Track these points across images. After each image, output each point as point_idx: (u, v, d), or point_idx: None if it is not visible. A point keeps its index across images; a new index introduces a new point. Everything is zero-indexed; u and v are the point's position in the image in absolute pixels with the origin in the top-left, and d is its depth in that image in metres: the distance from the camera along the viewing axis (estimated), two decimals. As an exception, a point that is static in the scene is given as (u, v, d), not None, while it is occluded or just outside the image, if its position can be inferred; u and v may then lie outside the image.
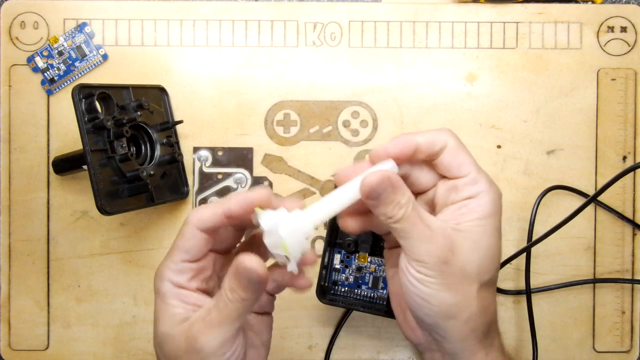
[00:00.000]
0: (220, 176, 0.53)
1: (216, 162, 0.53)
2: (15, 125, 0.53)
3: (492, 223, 0.36)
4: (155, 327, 0.36)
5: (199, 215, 0.35)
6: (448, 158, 0.36)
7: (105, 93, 0.46)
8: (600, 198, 0.52)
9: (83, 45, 0.53)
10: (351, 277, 0.49)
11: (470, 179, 0.36)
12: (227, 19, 0.53)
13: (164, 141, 0.51)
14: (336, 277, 0.49)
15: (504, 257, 0.52)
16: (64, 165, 0.51)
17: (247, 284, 0.33)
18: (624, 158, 0.53)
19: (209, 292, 0.37)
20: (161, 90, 0.52)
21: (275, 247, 0.34)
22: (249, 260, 0.32)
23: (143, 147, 0.50)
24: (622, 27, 0.53)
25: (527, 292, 0.52)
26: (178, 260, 0.35)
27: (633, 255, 0.53)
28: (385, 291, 0.49)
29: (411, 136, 0.36)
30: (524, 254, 0.52)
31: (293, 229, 0.34)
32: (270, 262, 0.37)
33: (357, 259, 0.49)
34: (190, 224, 0.35)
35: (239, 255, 0.33)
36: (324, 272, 0.48)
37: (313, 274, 0.51)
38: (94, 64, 0.53)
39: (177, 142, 0.52)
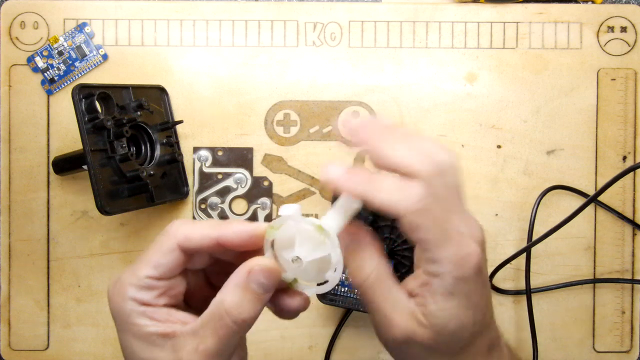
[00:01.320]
0: (220, 176, 0.53)
1: (216, 162, 0.53)
2: (15, 125, 0.53)
3: (458, 302, 0.31)
4: (127, 356, 0.31)
5: (186, 233, 0.30)
6: (404, 230, 0.30)
7: (105, 93, 0.46)
8: (600, 198, 0.52)
9: (83, 45, 0.53)
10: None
11: (429, 258, 0.30)
12: (227, 19, 0.53)
13: (164, 141, 0.51)
14: (336, 277, 0.49)
15: (503, 257, 0.52)
16: (64, 165, 0.51)
17: (262, 291, 0.30)
18: (624, 158, 0.53)
19: (180, 307, 0.33)
20: (161, 90, 0.52)
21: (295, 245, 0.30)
22: (261, 264, 0.30)
23: (143, 147, 0.50)
24: (622, 27, 0.53)
25: (527, 292, 0.52)
26: (143, 275, 0.31)
27: (633, 255, 0.53)
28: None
29: (364, 187, 0.30)
30: (524, 254, 0.52)
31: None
32: None
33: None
34: (173, 238, 0.31)
35: (247, 263, 0.30)
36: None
37: (313, 274, 0.51)
38: (94, 64, 0.53)
39: (177, 142, 0.52)
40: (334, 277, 0.30)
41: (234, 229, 0.30)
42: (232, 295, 0.30)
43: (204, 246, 0.31)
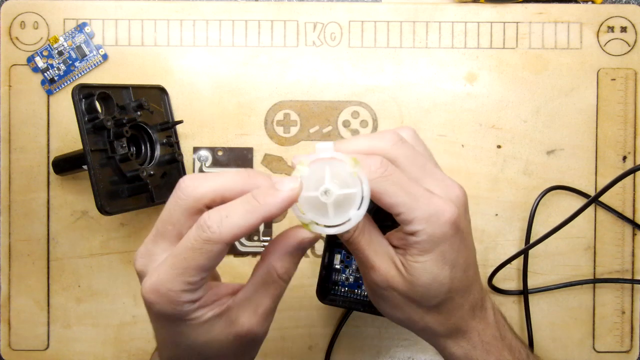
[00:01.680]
0: (220, 176, 0.53)
1: (216, 162, 0.53)
2: (15, 125, 0.53)
3: (433, 257, 0.34)
4: (182, 344, 0.33)
5: (231, 232, 0.30)
6: (377, 197, 0.33)
7: (105, 93, 0.46)
8: (601, 198, 0.52)
9: (83, 45, 0.53)
10: (351, 277, 0.49)
11: (402, 220, 0.33)
12: (227, 19, 0.53)
13: (164, 141, 0.51)
14: (336, 277, 0.49)
15: (503, 258, 0.52)
16: (64, 165, 0.51)
17: (304, 252, 0.33)
18: (624, 158, 0.53)
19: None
20: (161, 90, 0.52)
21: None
22: (305, 234, 0.32)
23: (143, 147, 0.50)
24: (622, 27, 0.53)
25: (525, 292, 0.52)
26: (198, 279, 0.31)
27: (633, 255, 0.53)
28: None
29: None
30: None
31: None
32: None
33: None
34: (222, 240, 0.30)
35: (292, 233, 0.32)
36: (324, 272, 0.48)
37: (313, 273, 0.52)
38: (94, 64, 0.53)
39: (177, 142, 0.52)
40: (357, 215, 0.32)
41: (275, 208, 0.30)
42: (282, 262, 0.32)
43: (249, 233, 0.32)
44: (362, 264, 0.36)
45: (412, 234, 0.33)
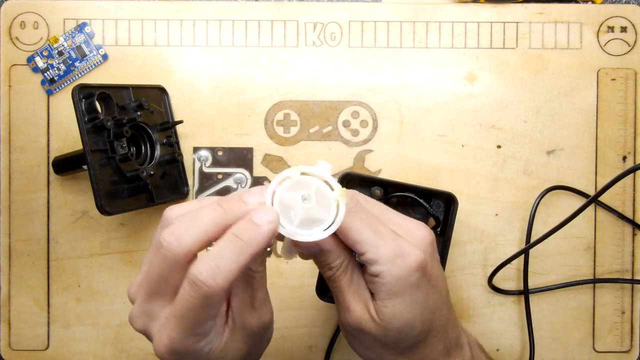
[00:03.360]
0: (220, 176, 0.53)
1: (216, 162, 0.53)
2: (15, 125, 0.53)
3: (401, 301, 0.34)
4: None
5: (224, 278, 0.30)
6: (341, 236, 0.33)
7: (105, 93, 0.46)
8: (600, 198, 0.52)
9: (83, 45, 0.53)
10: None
11: (367, 259, 0.33)
12: (227, 19, 0.53)
13: (164, 141, 0.51)
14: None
15: (503, 258, 0.52)
16: (64, 165, 0.51)
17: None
18: (624, 158, 0.53)
19: None
20: (161, 90, 0.52)
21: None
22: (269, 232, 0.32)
23: (143, 147, 0.50)
24: (622, 27, 0.53)
25: (525, 292, 0.52)
26: (207, 329, 0.32)
27: (633, 255, 0.53)
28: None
29: None
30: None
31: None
32: None
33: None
34: (218, 289, 0.30)
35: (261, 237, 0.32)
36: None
37: (313, 272, 0.52)
38: (94, 64, 0.53)
39: (177, 142, 0.52)
40: (319, 234, 0.32)
41: (261, 243, 0.30)
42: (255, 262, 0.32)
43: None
44: (338, 304, 0.36)
45: (377, 275, 0.33)
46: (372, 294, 0.35)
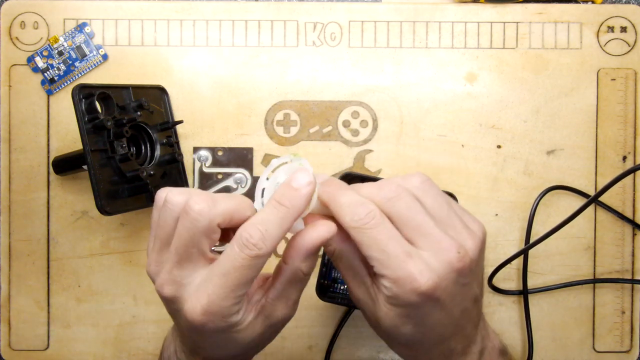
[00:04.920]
0: (220, 176, 0.53)
1: (216, 162, 0.53)
2: (15, 125, 0.53)
3: (402, 316, 0.34)
4: (230, 347, 0.36)
5: (272, 242, 0.32)
6: (354, 240, 0.34)
7: (105, 93, 0.46)
8: (600, 198, 0.52)
9: (83, 45, 0.53)
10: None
11: (375, 271, 0.34)
12: (227, 19, 0.53)
13: (164, 141, 0.51)
14: (336, 274, 0.49)
15: (503, 258, 0.52)
16: (64, 165, 0.51)
17: (319, 249, 0.35)
18: (624, 158, 0.53)
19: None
20: (161, 90, 0.52)
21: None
22: (327, 230, 0.34)
23: (143, 147, 0.50)
24: (622, 27, 0.53)
25: (525, 292, 0.52)
26: (243, 293, 0.33)
27: (633, 255, 0.53)
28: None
29: (328, 196, 0.34)
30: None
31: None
32: None
33: None
34: (265, 253, 0.32)
35: (317, 234, 0.33)
36: (323, 269, 0.48)
37: (313, 272, 0.51)
38: (94, 64, 0.53)
39: (177, 142, 0.52)
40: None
41: (301, 206, 0.33)
42: (306, 263, 0.34)
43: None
44: (346, 283, 0.37)
45: (383, 288, 0.34)
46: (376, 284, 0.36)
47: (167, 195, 0.34)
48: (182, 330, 0.37)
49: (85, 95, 0.45)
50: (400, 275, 0.32)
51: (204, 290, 0.33)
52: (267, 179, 0.36)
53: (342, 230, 0.34)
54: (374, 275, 0.35)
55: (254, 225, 0.32)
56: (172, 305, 0.35)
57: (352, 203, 0.33)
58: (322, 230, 0.33)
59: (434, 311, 0.34)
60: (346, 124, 0.53)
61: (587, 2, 0.54)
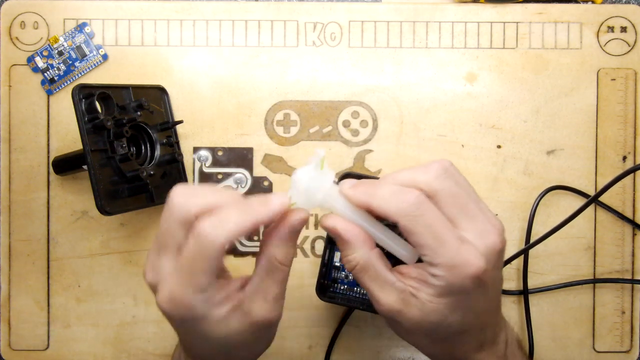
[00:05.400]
0: (220, 176, 0.53)
1: (216, 162, 0.53)
2: (15, 125, 0.53)
3: (448, 302, 0.33)
4: (203, 343, 0.35)
5: (226, 233, 0.31)
6: (402, 231, 0.33)
7: (105, 93, 0.46)
8: (600, 198, 0.52)
9: (83, 45, 0.53)
10: (351, 275, 0.49)
11: (426, 260, 0.33)
12: (227, 19, 0.53)
13: (164, 141, 0.51)
14: (336, 274, 0.49)
15: (504, 257, 0.52)
16: (64, 165, 0.51)
17: (297, 235, 0.35)
18: (624, 158, 0.53)
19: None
20: (161, 90, 0.52)
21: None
22: (296, 217, 0.34)
23: (143, 147, 0.50)
24: (622, 27, 0.53)
25: (525, 292, 0.52)
26: (206, 282, 0.32)
27: (633, 255, 0.53)
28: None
29: (367, 196, 0.33)
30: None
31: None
32: None
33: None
34: (217, 243, 0.31)
35: (285, 223, 0.34)
36: (323, 269, 0.48)
37: (313, 272, 0.52)
38: (94, 64, 0.53)
39: (177, 142, 0.52)
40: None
41: (266, 214, 0.33)
42: (279, 249, 0.34)
43: (242, 235, 0.33)
44: (370, 297, 0.36)
45: (433, 275, 0.33)
46: (416, 282, 0.34)
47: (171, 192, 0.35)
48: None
49: (85, 95, 0.45)
50: (456, 261, 0.32)
51: (169, 279, 0.33)
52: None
53: (367, 239, 0.34)
54: (403, 275, 0.35)
55: (210, 216, 0.32)
56: (153, 292, 0.35)
57: (394, 192, 0.32)
58: (296, 215, 0.34)
59: (481, 296, 0.34)
60: (346, 124, 0.53)
61: (587, 2, 0.54)
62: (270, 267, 0.35)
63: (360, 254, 0.35)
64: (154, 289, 0.35)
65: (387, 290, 0.35)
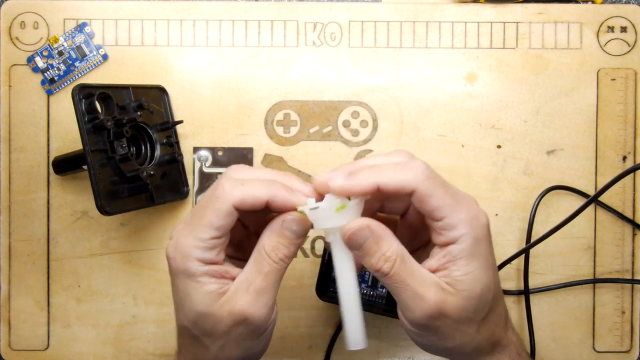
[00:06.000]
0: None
1: (216, 162, 0.53)
2: (15, 125, 0.53)
3: (479, 263, 0.34)
4: (186, 307, 0.35)
5: (241, 195, 0.33)
6: (417, 204, 0.33)
7: (105, 93, 0.46)
8: (600, 198, 0.52)
9: (83, 45, 0.53)
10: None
11: (446, 224, 0.33)
12: (227, 19, 0.53)
13: (164, 141, 0.51)
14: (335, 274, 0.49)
15: (503, 258, 0.52)
16: (64, 165, 0.51)
17: (294, 236, 0.35)
18: (624, 158, 0.53)
19: (229, 256, 0.37)
20: (161, 90, 0.52)
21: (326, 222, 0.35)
22: (292, 215, 0.34)
23: (143, 147, 0.50)
24: (622, 27, 0.53)
25: (526, 292, 0.52)
26: (207, 237, 0.34)
27: (633, 255, 0.53)
28: (384, 290, 0.49)
29: (373, 176, 0.33)
30: (524, 255, 0.52)
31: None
32: None
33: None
34: (229, 201, 0.33)
35: (281, 216, 0.35)
36: (324, 269, 0.48)
37: (313, 272, 0.52)
38: (94, 64, 0.53)
39: (177, 142, 0.52)
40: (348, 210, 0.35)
41: (283, 197, 0.34)
42: (269, 240, 0.35)
43: (256, 207, 0.34)
44: (408, 300, 0.34)
45: (456, 240, 0.33)
46: (441, 271, 0.34)
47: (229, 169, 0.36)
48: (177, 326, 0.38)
49: (85, 95, 0.45)
50: (472, 213, 0.34)
51: (179, 228, 0.35)
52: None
53: (392, 233, 0.34)
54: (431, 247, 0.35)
55: (236, 178, 0.34)
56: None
57: (399, 166, 0.33)
58: (292, 215, 0.35)
59: (491, 248, 0.35)
60: (346, 124, 0.53)
61: (587, 2, 0.54)
62: (258, 257, 0.35)
63: (397, 245, 0.34)
64: (170, 241, 0.36)
65: (428, 283, 0.34)
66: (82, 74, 0.53)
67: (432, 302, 0.33)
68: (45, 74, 0.53)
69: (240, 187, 0.33)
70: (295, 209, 0.34)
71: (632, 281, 0.53)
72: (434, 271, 0.34)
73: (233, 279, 0.35)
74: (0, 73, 0.52)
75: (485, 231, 0.34)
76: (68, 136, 0.53)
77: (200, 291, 0.34)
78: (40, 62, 0.52)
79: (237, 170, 0.35)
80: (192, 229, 0.34)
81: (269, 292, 0.35)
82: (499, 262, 0.52)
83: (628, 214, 0.53)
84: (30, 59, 0.52)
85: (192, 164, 0.53)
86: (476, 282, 0.34)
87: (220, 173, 0.53)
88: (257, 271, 0.34)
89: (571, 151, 0.53)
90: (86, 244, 0.53)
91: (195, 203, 0.53)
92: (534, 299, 0.53)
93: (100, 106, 0.46)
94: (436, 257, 0.34)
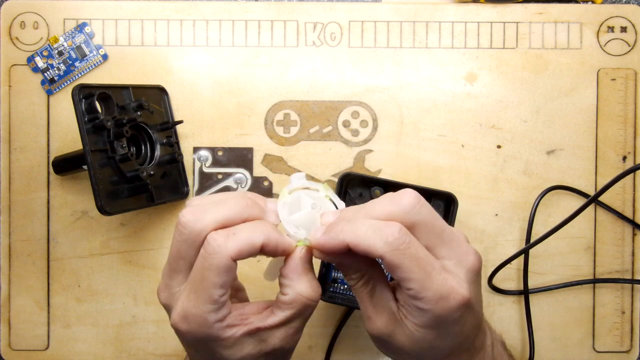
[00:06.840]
0: (220, 176, 0.53)
1: (216, 162, 0.53)
2: (15, 125, 0.53)
3: (434, 334, 0.33)
4: None
5: (238, 248, 0.32)
6: (387, 268, 0.32)
7: (105, 93, 0.46)
8: (600, 198, 0.52)
9: (83, 45, 0.53)
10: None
11: (412, 294, 0.32)
12: (227, 19, 0.53)
13: (164, 141, 0.51)
14: (336, 274, 0.49)
15: (503, 258, 0.52)
16: (64, 165, 0.51)
17: (311, 266, 0.35)
18: (624, 158, 0.53)
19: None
20: (161, 90, 0.52)
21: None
22: (300, 252, 0.35)
23: (143, 147, 0.50)
24: (622, 27, 0.53)
25: (526, 292, 0.52)
26: (215, 298, 0.32)
27: (633, 255, 0.53)
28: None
29: (344, 234, 0.32)
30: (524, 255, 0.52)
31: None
32: None
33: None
34: (226, 256, 0.32)
35: (294, 259, 0.34)
36: (323, 269, 0.48)
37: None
38: (94, 64, 0.53)
39: (177, 142, 0.52)
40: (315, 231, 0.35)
41: (276, 239, 0.33)
42: (306, 286, 0.34)
43: (252, 255, 0.33)
44: (363, 316, 0.35)
45: (419, 307, 0.32)
46: (403, 307, 0.34)
47: (186, 203, 0.35)
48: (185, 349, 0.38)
49: (85, 95, 0.45)
50: (443, 292, 0.31)
51: (179, 298, 0.34)
52: (289, 193, 0.36)
53: (361, 258, 0.34)
54: (397, 301, 0.34)
55: (221, 231, 0.32)
56: (168, 313, 0.35)
57: (375, 227, 0.31)
58: (299, 250, 0.34)
59: (469, 317, 0.34)
60: (346, 124, 0.53)
61: (587, 2, 0.54)
62: (297, 305, 0.34)
63: (362, 273, 0.34)
64: (168, 309, 0.35)
65: (381, 309, 0.34)
66: (82, 74, 0.53)
67: (375, 326, 0.34)
68: (45, 74, 0.53)
69: (233, 237, 0.32)
70: (289, 248, 0.34)
71: (632, 281, 0.53)
72: (398, 300, 0.34)
73: (252, 313, 0.35)
74: (0, 73, 0.52)
75: (454, 311, 0.32)
76: (68, 136, 0.53)
77: (230, 344, 0.34)
78: (40, 62, 0.52)
79: (198, 199, 0.34)
80: (197, 296, 0.32)
81: (301, 328, 0.36)
82: (499, 262, 0.52)
83: (628, 214, 0.53)
84: (30, 59, 0.52)
85: (192, 164, 0.53)
86: (424, 342, 0.33)
87: (220, 173, 0.53)
88: (298, 318, 0.35)
89: (571, 151, 0.53)
90: (86, 244, 0.53)
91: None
92: (533, 299, 0.53)
93: (100, 106, 0.46)
94: (404, 297, 0.34)
